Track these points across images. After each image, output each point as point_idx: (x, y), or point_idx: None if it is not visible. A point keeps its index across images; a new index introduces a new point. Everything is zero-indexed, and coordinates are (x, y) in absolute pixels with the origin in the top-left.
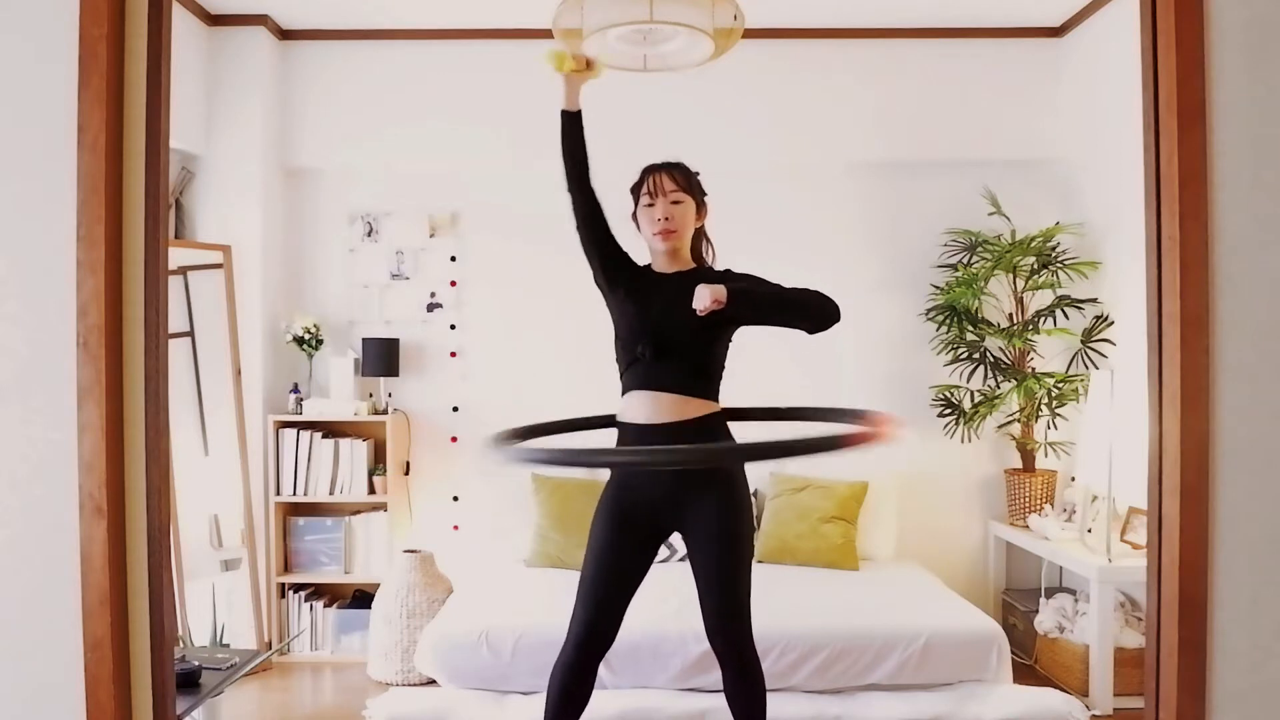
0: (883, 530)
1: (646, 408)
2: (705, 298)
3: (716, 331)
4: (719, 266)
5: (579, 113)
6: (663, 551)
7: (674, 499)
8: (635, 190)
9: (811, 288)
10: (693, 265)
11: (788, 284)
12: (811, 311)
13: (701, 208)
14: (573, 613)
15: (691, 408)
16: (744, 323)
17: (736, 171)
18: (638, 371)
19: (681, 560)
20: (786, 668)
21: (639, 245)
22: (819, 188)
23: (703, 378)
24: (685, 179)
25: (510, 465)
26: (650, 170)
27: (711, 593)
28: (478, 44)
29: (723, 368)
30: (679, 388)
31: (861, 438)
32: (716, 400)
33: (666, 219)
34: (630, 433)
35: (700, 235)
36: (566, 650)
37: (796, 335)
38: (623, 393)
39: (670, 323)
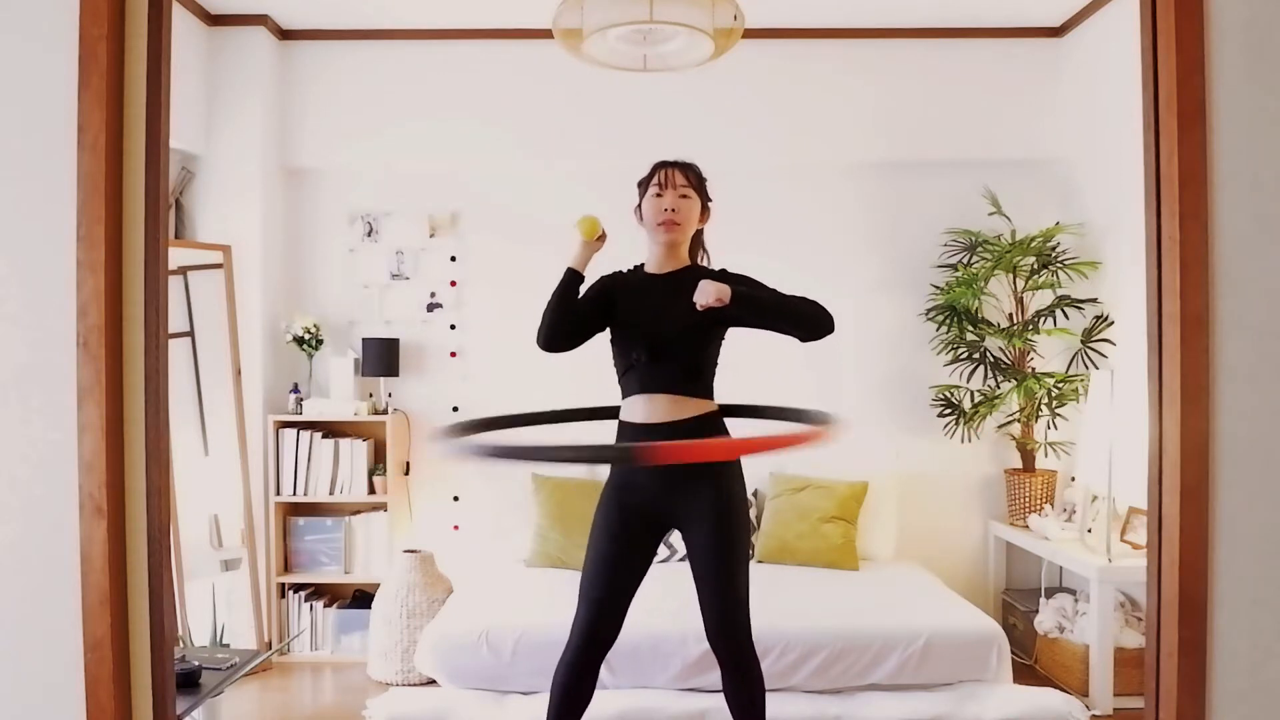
0: (883, 530)
1: (645, 409)
2: (709, 294)
3: (710, 332)
4: (715, 267)
5: (583, 277)
6: (662, 551)
7: (671, 498)
8: (644, 183)
9: (810, 298)
10: (687, 264)
11: (786, 287)
12: (808, 321)
13: (705, 210)
14: (575, 612)
15: (689, 407)
16: (740, 324)
17: (736, 171)
18: (634, 376)
19: (681, 560)
20: (786, 668)
21: (640, 241)
22: (819, 188)
23: (697, 378)
24: (696, 178)
25: (458, 457)
26: (662, 164)
27: (709, 592)
28: (477, 44)
29: (716, 366)
30: (675, 389)
31: (795, 440)
32: (711, 398)
33: (672, 210)
34: (629, 432)
35: (698, 238)
36: (569, 649)
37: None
38: (622, 397)
39: (664, 326)
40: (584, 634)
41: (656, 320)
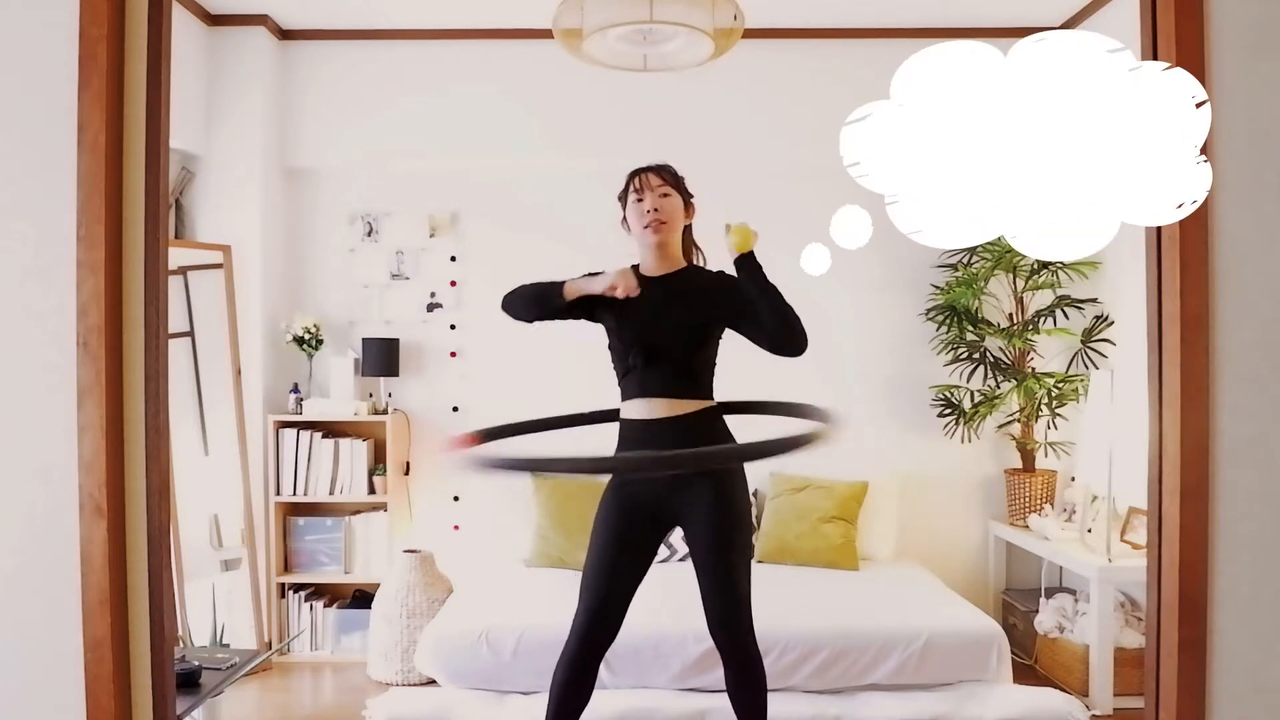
0: (883, 530)
1: (644, 409)
2: (739, 234)
3: (705, 333)
4: (713, 268)
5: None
6: (663, 551)
7: (673, 495)
8: (623, 195)
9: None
10: (683, 264)
11: (786, 286)
12: (786, 324)
13: (689, 206)
14: (576, 608)
15: (687, 407)
16: (730, 325)
17: (736, 170)
18: (632, 380)
19: (682, 560)
20: (786, 668)
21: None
22: (819, 187)
23: (694, 379)
24: (672, 176)
25: (479, 469)
26: (636, 171)
27: (711, 587)
28: (478, 44)
29: (714, 365)
30: (672, 392)
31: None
32: (710, 398)
33: (656, 210)
34: (629, 429)
35: (688, 236)
36: (569, 647)
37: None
38: (622, 399)
39: (658, 329)
40: (584, 632)
41: (652, 324)
